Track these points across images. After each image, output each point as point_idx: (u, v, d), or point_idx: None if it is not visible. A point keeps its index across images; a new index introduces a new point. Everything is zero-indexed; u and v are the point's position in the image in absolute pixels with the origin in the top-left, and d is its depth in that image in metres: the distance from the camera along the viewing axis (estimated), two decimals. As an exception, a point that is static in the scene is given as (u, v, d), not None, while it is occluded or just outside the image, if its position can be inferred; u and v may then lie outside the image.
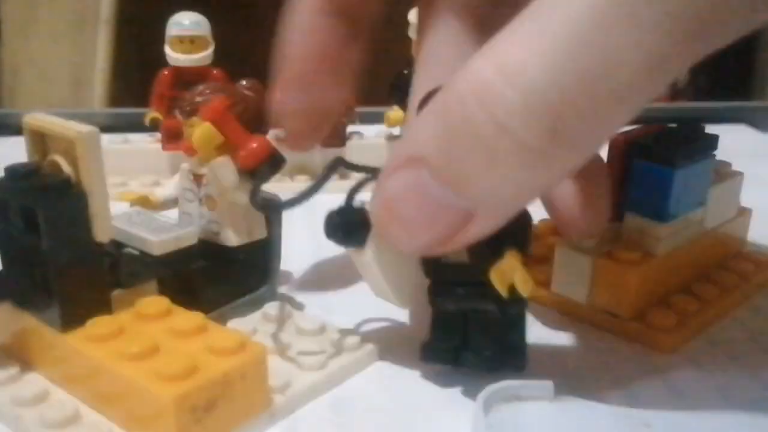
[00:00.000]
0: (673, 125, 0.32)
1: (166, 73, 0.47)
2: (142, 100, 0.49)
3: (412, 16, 0.47)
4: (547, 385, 0.25)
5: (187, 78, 0.46)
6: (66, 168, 0.23)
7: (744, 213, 0.35)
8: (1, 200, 0.24)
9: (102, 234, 0.24)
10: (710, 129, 0.32)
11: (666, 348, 0.28)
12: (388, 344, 0.28)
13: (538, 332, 0.30)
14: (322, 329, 0.28)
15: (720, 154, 0.31)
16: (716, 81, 0.88)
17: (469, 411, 0.24)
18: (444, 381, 0.26)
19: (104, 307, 0.25)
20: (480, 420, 0.23)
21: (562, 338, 0.30)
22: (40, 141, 0.24)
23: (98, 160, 0.23)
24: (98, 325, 0.24)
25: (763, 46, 0.85)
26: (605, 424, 0.24)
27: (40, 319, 0.24)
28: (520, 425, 0.23)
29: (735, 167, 0.34)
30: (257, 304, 0.30)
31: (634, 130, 0.31)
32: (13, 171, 0.24)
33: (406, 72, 0.48)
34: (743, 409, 0.25)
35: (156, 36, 0.47)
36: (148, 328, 0.24)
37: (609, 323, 0.30)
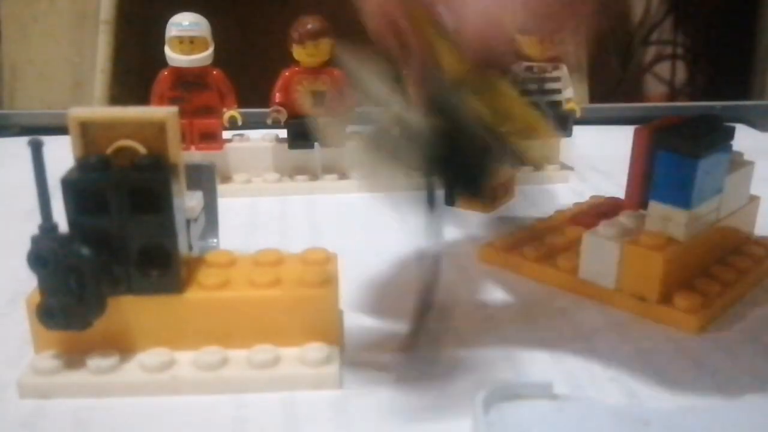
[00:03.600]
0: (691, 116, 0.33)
1: (166, 73, 0.47)
2: (142, 101, 0.49)
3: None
4: (547, 384, 0.25)
5: (187, 78, 0.46)
6: (141, 150, 0.25)
7: (754, 200, 0.36)
8: (99, 194, 0.24)
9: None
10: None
11: (693, 328, 0.30)
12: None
13: (537, 332, 0.30)
14: None
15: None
16: (715, 80, 0.89)
17: (469, 411, 0.24)
18: (444, 381, 0.26)
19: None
20: (480, 420, 0.23)
21: (560, 338, 0.30)
22: (86, 134, 0.25)
23: (178, 136, 0.25)
24: (204, 277, 0.26)
25: (762, 47, 0.85)
26: (605, 423, 0.24)
27: (149, 294, 0.25)
28: (520, 425, 0.23)
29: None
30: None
31: (654, 122, 0.32)
32: (86, 165, 0.24)
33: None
34: (740, 406, 0.25)
35: (156, 36, 0.47)
36: (240, 267, 0.27)
37: (637, 307, 0.31)
